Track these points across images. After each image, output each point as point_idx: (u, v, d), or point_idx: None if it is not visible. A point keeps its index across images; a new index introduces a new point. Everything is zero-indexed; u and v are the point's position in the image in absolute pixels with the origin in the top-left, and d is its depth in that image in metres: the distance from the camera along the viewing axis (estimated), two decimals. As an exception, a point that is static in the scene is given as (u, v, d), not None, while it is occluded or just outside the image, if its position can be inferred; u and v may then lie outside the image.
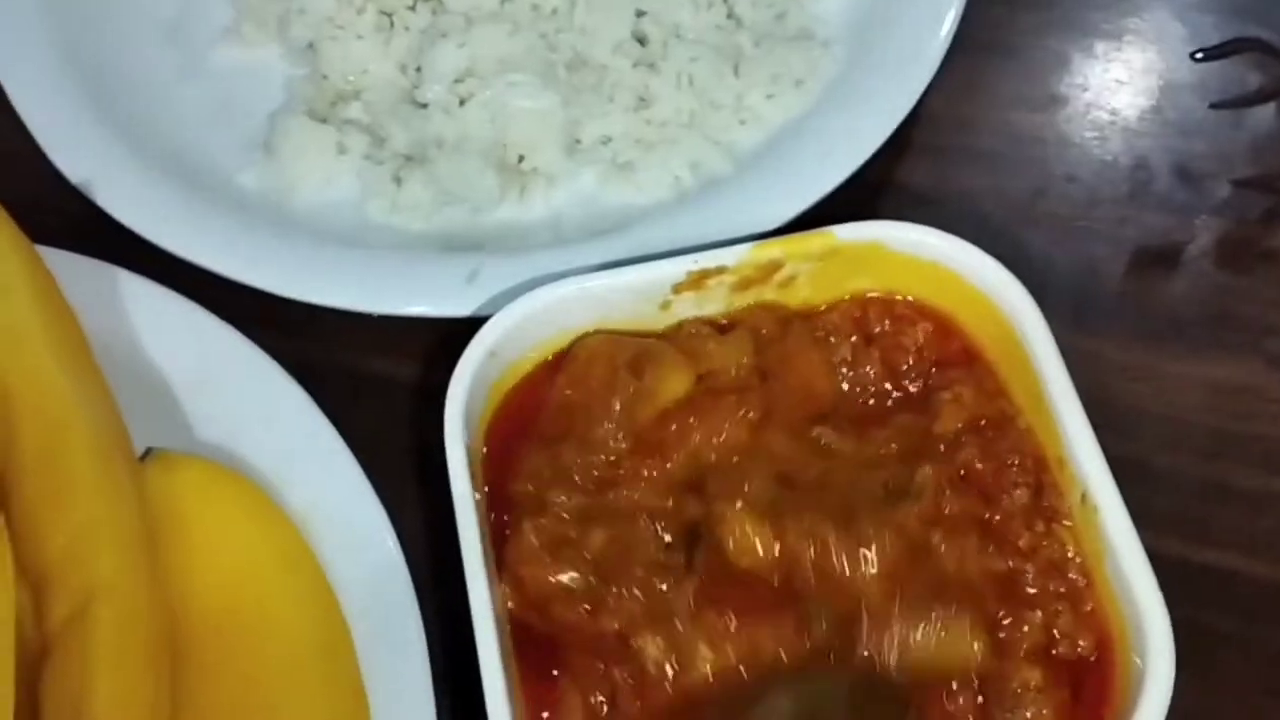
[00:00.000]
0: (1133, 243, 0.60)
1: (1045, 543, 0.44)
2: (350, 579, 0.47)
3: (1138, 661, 0.41)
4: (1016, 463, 0.45)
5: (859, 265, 0.49)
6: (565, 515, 0.45)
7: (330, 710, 0.45)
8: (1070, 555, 0.44)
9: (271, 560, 0.47)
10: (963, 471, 0.46)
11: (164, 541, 0.46)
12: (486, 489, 0.46)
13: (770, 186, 0.57)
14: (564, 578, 0.44)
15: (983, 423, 0.46)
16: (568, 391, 0.48)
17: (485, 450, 0.47)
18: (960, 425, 0.46)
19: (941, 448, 0.46)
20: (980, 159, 0.63)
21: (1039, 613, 0.43)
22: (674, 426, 0.47)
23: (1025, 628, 0.43)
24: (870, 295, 0.49)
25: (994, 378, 0.48)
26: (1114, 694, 0.42)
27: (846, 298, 0.49)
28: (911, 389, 0.48)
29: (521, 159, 0.59)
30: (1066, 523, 0.44)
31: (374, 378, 0.56)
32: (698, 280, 0.49)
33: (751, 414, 0.47)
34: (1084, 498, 0.44)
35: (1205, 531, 0.52)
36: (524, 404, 0.49)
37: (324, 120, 0.60)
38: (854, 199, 0.56)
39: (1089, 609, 0.43)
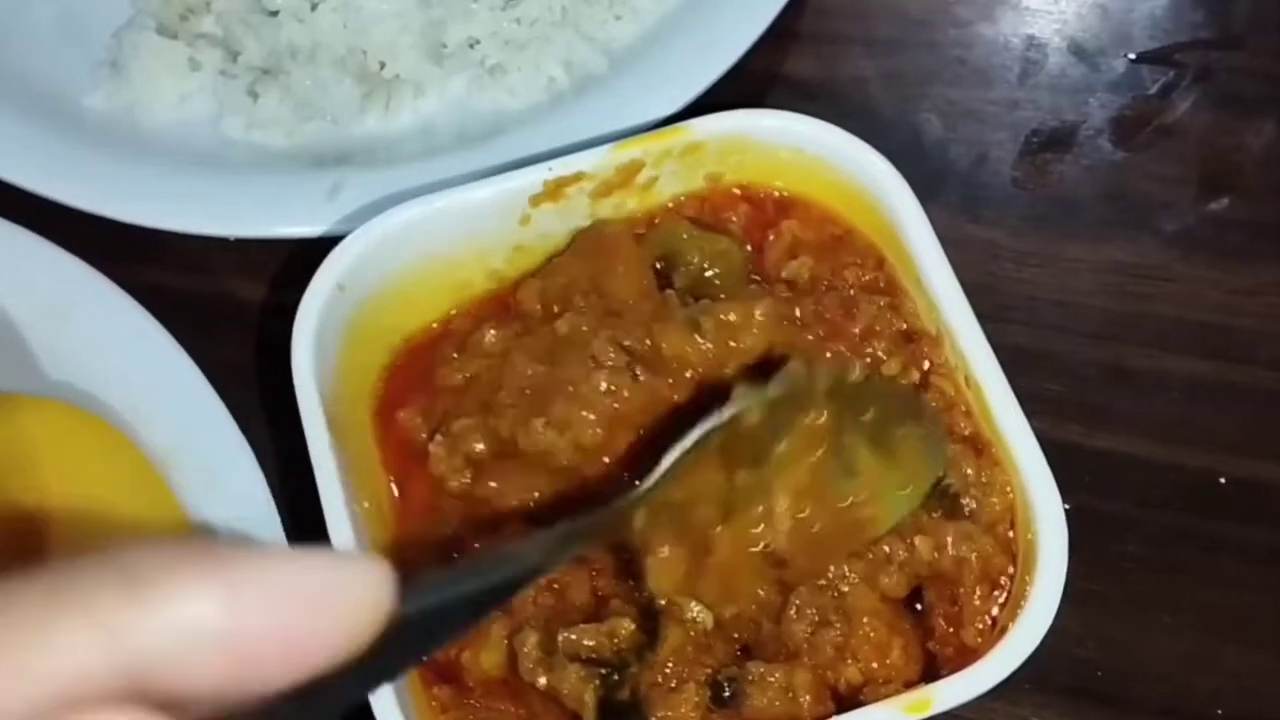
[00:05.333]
0: (1026, 126, 0.58)
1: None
2: (216, 523, 0.45)
3: (1029, 538, 0.40)
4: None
5: (724, 160, 0.46)
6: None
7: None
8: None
9: (129, 501, 0.45)
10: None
11: (15, 484, 0.43)
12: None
13: (648, 83, 0.54)
14: None
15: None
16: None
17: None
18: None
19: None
20: (869, 46, 0.61)
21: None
22: None
23: None
24: (732, 190, 0.46)
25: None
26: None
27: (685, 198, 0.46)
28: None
29: (383, 66, 0.56)
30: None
31: (236, 302, 0.53)
32: (555, 190, 0.46)
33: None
34: (967, 380, 0.42)
35: (1101, 416, 0.51)
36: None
37: (174, 36, 0.57)
38: (742, 95, 0.53)
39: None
